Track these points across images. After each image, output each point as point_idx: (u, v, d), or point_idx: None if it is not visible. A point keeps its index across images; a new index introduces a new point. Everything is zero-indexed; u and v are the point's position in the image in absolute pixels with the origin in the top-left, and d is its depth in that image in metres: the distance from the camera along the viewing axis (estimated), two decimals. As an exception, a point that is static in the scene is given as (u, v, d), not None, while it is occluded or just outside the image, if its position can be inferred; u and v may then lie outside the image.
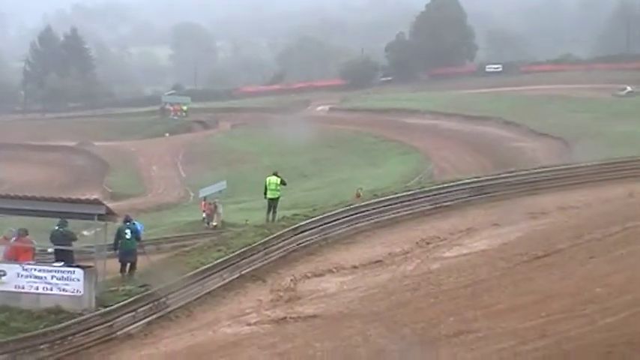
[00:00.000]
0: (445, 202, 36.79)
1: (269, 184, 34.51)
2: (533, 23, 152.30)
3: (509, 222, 31.98)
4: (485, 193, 37.84)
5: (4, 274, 24.75)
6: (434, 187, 38.96)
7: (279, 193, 34.50)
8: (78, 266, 25.06)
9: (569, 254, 26.33)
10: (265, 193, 34.73)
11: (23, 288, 24.71)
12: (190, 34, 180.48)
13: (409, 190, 38.66)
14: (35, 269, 24.90)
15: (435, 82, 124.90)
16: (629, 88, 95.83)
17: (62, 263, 25.15)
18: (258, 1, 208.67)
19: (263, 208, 44.99)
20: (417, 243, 31.24)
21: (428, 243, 31.23)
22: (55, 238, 25.72)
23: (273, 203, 34.42)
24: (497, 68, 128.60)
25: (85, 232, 33.64)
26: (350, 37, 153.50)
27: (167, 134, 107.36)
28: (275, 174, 34.89)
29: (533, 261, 26.25)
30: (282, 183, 34.59)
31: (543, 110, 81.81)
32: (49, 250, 26.36)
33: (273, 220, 33.93)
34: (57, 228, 25.75)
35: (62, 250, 25.58)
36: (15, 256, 25.39)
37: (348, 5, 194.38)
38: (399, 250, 30.56)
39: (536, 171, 42.75)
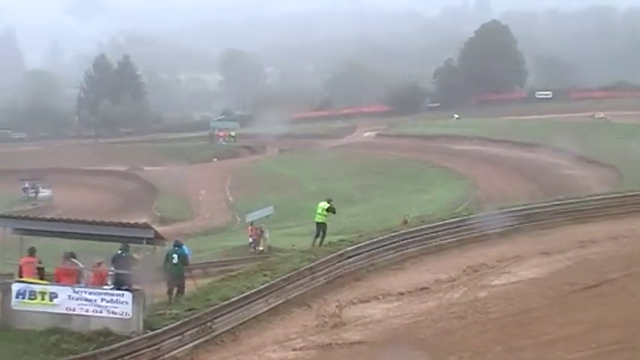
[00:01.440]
0: (493, 229, 36.41)
1: (317, 208, 34.67)
2: (585, 49, 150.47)
3: (558, 250, 31.61)
4: (533, 221, 37.41)
5: (56, 297, 24.91)
6: (481, 214, 38.66)
7: (324, 218, 34.32)
8: (127, 289, 25.14)
9: (620, 284, 25.97)
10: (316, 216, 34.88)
11: (74, 310, 24.84)
12: (239, 60, 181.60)
13: (456, 217, 38.47)
14: (86, 292, 25.04)
15: (483, 108, 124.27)
16: None
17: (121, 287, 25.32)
18: (306, 27, 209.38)
19: (309, 234, 44.97)
20: (464, 270, 30.97)
21: (475, 270, 30.94)
22: (116, 262, 25.82)
23: (319, 227, 34.31)
24: (547, 95, 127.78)
25: (134, 256, 33.73)
26: (397, 63, 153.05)
27: (215, 159, 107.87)
28: (328, 200, 34.89)
29: (583, 291, 25.92)
30: (330, 210, 34.37)
31: (593, 137, 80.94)
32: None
33: (320, 244, 33.75)
34: (119, 252, 25.89)
35: (122, 273, 25.70)
36: (58, 279, 25.56)
37: (396, 32, 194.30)
38: (446, 277, 30.31)
39: (586, 199, 42.22)
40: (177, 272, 27.85)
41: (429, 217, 39.21)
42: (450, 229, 35.91)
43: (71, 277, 25.63)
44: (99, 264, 26.32)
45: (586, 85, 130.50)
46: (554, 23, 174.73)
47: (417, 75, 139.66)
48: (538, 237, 35.07)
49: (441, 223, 36.58)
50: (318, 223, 34.38)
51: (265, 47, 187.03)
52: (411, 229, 35.23)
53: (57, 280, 25.56)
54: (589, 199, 42.31)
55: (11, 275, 25.84)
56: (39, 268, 25.86)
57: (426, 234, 35.01)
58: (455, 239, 35.21)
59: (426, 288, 29.51)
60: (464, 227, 36.26)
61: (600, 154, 71.83)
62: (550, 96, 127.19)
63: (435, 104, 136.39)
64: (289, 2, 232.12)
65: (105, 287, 25.47)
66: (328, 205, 34.45)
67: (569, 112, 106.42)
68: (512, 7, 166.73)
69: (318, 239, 34.15)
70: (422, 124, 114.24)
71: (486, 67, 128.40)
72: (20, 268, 25.76)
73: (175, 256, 27.75)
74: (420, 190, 72.69)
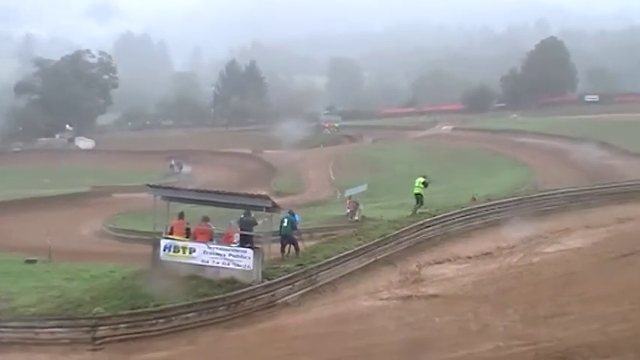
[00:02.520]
0: (546, 207, 35.95)
1: (415, 182, 35.14)
2: (627, 61, 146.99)
3: (599, 225, 31.09)
4: (580, 201, 36.80)
5: (194, 251, 25.60)
6: (537, 195, 38.22)
7: (419, 189, 34.71)
8: (250, 247, 25.66)
9: (650, 254, 25.51)
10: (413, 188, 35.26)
11: (207, 262, 25.50)
12: (343, 65, 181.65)
13: (517, 197, 38.04)
14: (217, 248, 25.67)
15: (541, 108, 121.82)
16: None
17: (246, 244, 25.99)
18: (398, 39, 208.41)
19: (397, 207, 45.11)
20: (521, 240, 30.74)
21: (530, 240, 30.69)
22: (242, 223, 26.41)
23: (417, 197, 34.67)
24: (594, 98, 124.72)
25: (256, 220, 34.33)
26: (471, 70, 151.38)
27: (322, 145, 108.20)
28: (423, 176, 35.50)
29: (619, 258, 25.50)
30: (424, 184, 34.80)
31: (635, 134, 78.73)
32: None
33: (416, 210, 34.09)
34: (242, 217, 26.49)
35: (246, 233, 26.30)
36: (195, 237, 26.21)
37: (471, 44, 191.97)
38: (506, 245, 30.15)
39: (624, 183, 41.31)
40: (286, 233, 28.36)
41: (493, 196, 38.81)
42: (510, 206, 35.61)
43: (205, 236, 26.28)
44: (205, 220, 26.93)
45: (630, 91, 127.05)
46: (601, 40, 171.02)
47: (488, 79, 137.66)
48: (583, 214, 34.48)
49: (504, 200, 36.29)
50: (416, 194, 34.80)
51: (364, 55, 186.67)
52: (479, 206, 35.07)
53: (194, 237, 26.21)
54: (626, 183, 41.36)
55: (160, 233, 26.60)
56: (187, 229, 26.59)
57: (491, 210, 34.81)
58: (515, 215, 34.86)
59: (489, 253, 29.43)
60: (522, 205, 35.92)
61: (638, 147, 69.85)
62: (597, 99, 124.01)
63: (501, 105, 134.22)
64: (384, 17, 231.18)
65: (232, 245, 26.06)
66: (424, 179, 34.95)
67: (613, 112, 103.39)
68: (567, 27, 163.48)
69: (418, 206, 34.44)
70: (490, 121, 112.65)
71: (544, 75, 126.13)
72: (172, 227, 26.52)
73: (286, 220, 28.28)
74: (487, 174, 71.79)
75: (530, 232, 31.74)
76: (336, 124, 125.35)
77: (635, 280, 23.00)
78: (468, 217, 33.64)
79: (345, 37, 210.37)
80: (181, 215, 27.11)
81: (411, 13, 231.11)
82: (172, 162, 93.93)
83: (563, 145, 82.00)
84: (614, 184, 41.17)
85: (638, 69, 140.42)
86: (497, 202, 35.93)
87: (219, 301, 24.34)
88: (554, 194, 37.74)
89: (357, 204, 45.66)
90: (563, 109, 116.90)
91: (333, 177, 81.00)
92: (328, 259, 27.17)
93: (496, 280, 25.88)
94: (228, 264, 25.41)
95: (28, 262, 35.64)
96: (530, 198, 37.31)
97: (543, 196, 37.64)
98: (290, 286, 25.61)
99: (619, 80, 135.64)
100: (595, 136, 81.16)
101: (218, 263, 25.50)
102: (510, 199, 37.18)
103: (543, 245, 29.78)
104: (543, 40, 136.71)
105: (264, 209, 26.33)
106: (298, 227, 29.59)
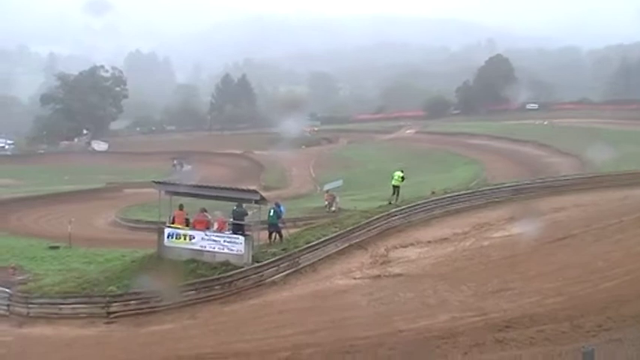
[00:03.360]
0: (494, 198, 36.09)
1: (394, 175, 34.80)
2: (561, 75, 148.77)
3: (539, 213, 31.29)
4: (522, 193, 36.97)
5: (194, 238, 25.55)
6: (487, 188, 38.35)
7: (398, 182, 34.48)
8: (241, 234, 25.63)
9: (580, 238, 25.83)
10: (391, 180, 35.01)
11: (205, 247, 25.49)
12: (321, 78, 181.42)
13: (469, 190, 38.19)
14: (213, 235, 25.63)
15: (490, 115, 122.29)
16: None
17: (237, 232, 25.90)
18: (368, 56, 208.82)
19: (369, 199, 45.12)
20: (473, 227, 30.85)
21: (481, 227, 30.80)
22: (235, 214, 26.34)
23: (395, 189, 34.44)
24: (534, 106, 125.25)
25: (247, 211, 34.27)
26: (431, 82, 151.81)
27: (304, 146, 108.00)
28: (401, 170, 35.13)
29: (555, 242, 25.78)
30: (402, 178, 34.55)
31: (567, 136, 79.36)
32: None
33: (396, 201, 33.92)
34: (235, 208, 26.39)
35: (238, 223, 26.21)
36: (194, 226, 26.16)
37: (431, 60, 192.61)
38: (460, 231, 30.23)
39: (559, 178, 41.67)
40: (273, 222, 28.28)
41: (449, 189, 38.94)
42: (464, 198, 35.72)
43: (202, 224, 26.23)
44: (203, 211, 26.79)
45: (561, 100, 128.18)
46: (540, 57, 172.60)
47: (445, 91, 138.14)
48: (526, 204, 34.69)
49: (458, 193, 36.40)
50: (394, 186, 34.51)
51: (339, 69, 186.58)
52: (437, 198, 35.13)
53: (193, 226, 26.16)
54: (562, 178, 41.70)
55: (164, 223, 26.52)
56: (186, 219, 26.53)
57: (447, 201, 34.87)
58: (467, 205, 34.99)
59: (446, 238, 29.48)
60: (474, 197, 36.04)
61: (571, 148, 70.36)
62: (537, 107, 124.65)
63: (456, 111, 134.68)
64: (357, 38, 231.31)
65: (226, 232, 26.01)
66: (402, 173, 34.67)
67: (550, 118, 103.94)
68: (511, 46, 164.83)
69: (395, 196, 34.29)
70: (447, 125, 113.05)
71: (492, 87, 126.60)
72: (174, 217, 26.46)
73: (272, 210, 28.21)
74: (444, 170, 72.09)
75: (480, 220, 31.88)
76: (316, 128, 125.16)
77: (568, 259, 23.23)
78: (428, 207, 33.64)
79: (322, 55, 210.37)
80: (181, 207, 27.04)
81: (379, 34, 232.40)
82: (175, 162, 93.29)
83: (509, 146, 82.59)
84: (550, 179, 41.54)
85: (570, 81, 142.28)
86: (453, 194, 36.02)
87: (215, 281, 24.33)
88: (501, 187, 37.87)
89: (334, 197, 45.65)
90: (508, 115, 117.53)
91: (313, 174, 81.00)
92: (309, 244, 27.17)
93: (452, 261, 25.99)
94: (223, 249, 25.42)
95: (52, 247, 35.49)
96: (481, 191, 37.37)
97: (492, 189, 37.73)
98: (276, 268, 25.60)
99: (555, 91, 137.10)
100: (535, 138, 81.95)
101: (214, 248, 25.50)
102: (464, 191, 37.31)
103: (492, 231, 29.88)
104: (491, 57, 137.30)
105: (254, 202, 26.35)
106: (283, 217, 29.54)
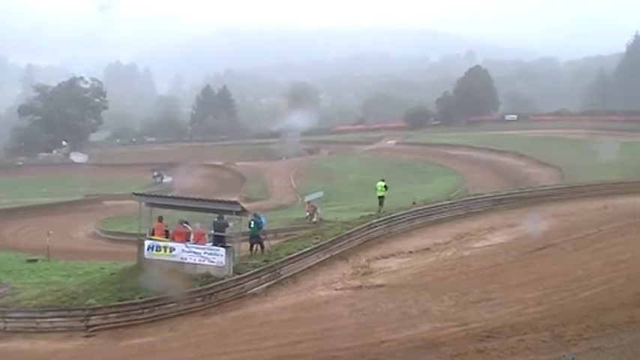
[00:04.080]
0: (475, 209, 36.25)
1: (377, 186, 35.40)
2: (539, 86, 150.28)
3: (519, 224, 31.44)
4: (503, 203, 37.18)
5: (174, 250, 25.42)
6: (467, 198, 38.51)
7: (383, 192, 35.14)
8: (222, 246, 25.54)
9: (560, 247, 25.99)
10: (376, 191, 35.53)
11: (186, 259, 25.37)
12: (302, 89, 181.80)
13: (450, 200, 38.27)
14: (194, 247, 25.53)
15: (470, 125, 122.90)
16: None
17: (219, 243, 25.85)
18: (349, 67, 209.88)
19: (350, 210, 45.12)
20: (454, 237, 30.94)
21: (462, 237, 30.89)
22: (216, 226, 26.25)
23: (380, 199, 34.97)
24: (513, 117, 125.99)
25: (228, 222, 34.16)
26: (411, 92, 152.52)
27: (285, 157, 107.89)
28: (382, 180, 35.92)
29: (535, 251, 25.94)
30: (385, 187, 35.31)
31: (546, 147, 79.98)
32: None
33: (380, 210, 34.14)
34: (216, 220, 26.30)
35: (219, 234, 26.16)
36: (173, 237, 26.05)
37: (411, 71, 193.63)
38: (442, 242, 30.31)
39: (539, 189, 41.96)
40: (254, 234, 28.21)
41: (430, 200, 39.05)
42: (445, 208, 35.81)
43: (182, 236, 26.12)
44: (182, 223, 26.78)
45: (540, 111, 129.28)
46: (517, 69, 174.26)
47: (425, 101, 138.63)
48: (505, 214, 34.88)
49: (439, 204, 36.49)
50: (379, 197, 35.05)
51: (320, 80, 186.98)
52: (418, 208, 35.21)
53: (173, 238, 26.02)
54: (541, 188, 42.02)
55: (144, 235, 26.35)
56: (166, 231, 26.39)
57: (429, 211, 34.96)
58: (448, 215, 35.12)
59: (428, 249, 29.53)
60: (455, 207, 36.17)
61: (550, 159, 70.93)
62: (515, 118, 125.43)
63: (437, 122, 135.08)
64: (338, 50, 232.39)
65: (206, 244, 25.89)
66: (384, 183, 35.48)
67: (528, 129, 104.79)
68: (490, 58, 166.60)
69: (380, 207, 34.68)
70: (427, 136, 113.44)
71: (472, 98, 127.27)
72: (153, 229, 26.30)
73: (252, 222, 28.15)
74: (425, 181, 72.32)
75: (461, 231, 31.99)
76: (297, 139, 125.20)
77: (548, 269, 23.35)
78: (409, 218, 33.70)
79: (303, 65, 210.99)
80: (160, 219, 26.89)
81: (359, 45, 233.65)
82: (155, 173, 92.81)
83: (488, 156, 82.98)
84: (529, 189, 41.80)
85: (548, 92, 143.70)
86: (433, 205, 36.13)
87: (196, 293, 24.18)
88: (481, 198, 38.04)
89: (315, 208, 45.55)
90: (488, 126, 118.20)
91: (294, 185, 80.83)
92: (290, 256, 27.10)
93: (433, 271, 26.01)
94: (204, 261, 25.31)
95: (30, 260, 35.02)
96: (462, 201, 37.53)
97: (472, 199, 37.90)
98: (257, 279, 25.50)
99: (533, 102, 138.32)
100: (514, 149, 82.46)
101: (195, 260, 25.37)
102: (445, 202, 37.39)
103: (473, 241, 29.99)
104: (471, 69, 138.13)
105: (234, 213, 26.23)
106: (264, 228, 29.46)
